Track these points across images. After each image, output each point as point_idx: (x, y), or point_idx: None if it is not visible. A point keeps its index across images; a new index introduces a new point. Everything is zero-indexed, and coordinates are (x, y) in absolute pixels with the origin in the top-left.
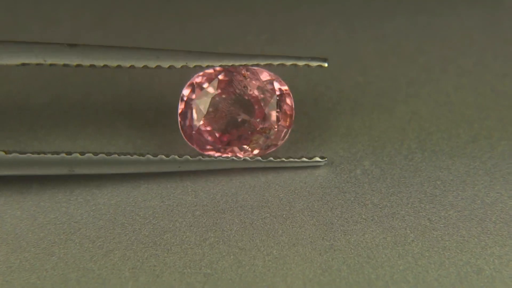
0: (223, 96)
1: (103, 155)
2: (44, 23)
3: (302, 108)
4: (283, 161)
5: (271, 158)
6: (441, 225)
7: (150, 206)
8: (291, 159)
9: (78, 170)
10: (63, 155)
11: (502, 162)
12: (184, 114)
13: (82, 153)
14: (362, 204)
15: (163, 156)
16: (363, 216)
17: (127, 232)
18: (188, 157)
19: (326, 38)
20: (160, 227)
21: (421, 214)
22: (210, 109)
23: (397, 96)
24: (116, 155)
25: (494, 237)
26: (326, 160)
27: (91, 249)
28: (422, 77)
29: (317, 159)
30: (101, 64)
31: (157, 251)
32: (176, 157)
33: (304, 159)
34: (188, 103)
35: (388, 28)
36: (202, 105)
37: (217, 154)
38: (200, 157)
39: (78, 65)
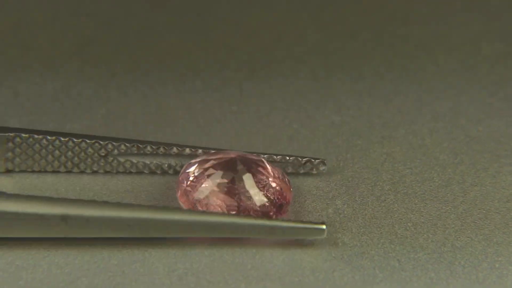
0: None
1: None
2: (21, 49)
3: (277, 146)
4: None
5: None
6: (410, 266)
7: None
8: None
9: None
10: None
11: (473, 207)
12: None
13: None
14: (332, 242)
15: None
16: (333, 254)
17: (95, 260)
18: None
19: (303, 76)
20: (129, 257)
21: (390, 255)
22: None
23: (371, 137)
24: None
25: (462, 280)
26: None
27: (59, 275)
28: (397, 119)
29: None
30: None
31: (125, 280)
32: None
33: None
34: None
35: (365, 69)
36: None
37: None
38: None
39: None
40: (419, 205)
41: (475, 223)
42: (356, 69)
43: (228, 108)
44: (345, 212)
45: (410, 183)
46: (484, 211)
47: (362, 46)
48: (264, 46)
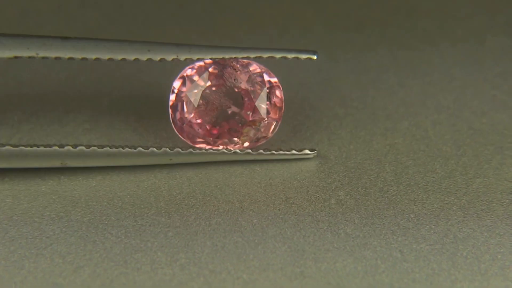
0: (214, 88)
1: (95, 147)
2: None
3: (280, 137)
4: (273, 153)
5: (261, 151)
6: (412, 257)
7: (123, 225)
8: (281, 152)
9: (70, 163)
10: (55, 148)
11: (476, 199)
12: (175, 106)
13: (74, 146)
14: (334, 233)
15: (154, 149)
16: (335, 245)
17: (98, 249)
18: (179, 149)
19: (306, 67)
20: (132, 246)
21: (393, 245)
22: (201, 102)
23: (375, 128)
24: (108, 148)
25: (464, 271)
26: (315, 153)
27: (61, 265)
28: (401, 111)
29: (307, 151)
30: (93, 57)
31: (127, 270)
32: (168, 149)
33: (294, 151)
34: (179, 95)
35: (370, 61)
36: (192, 97)
37: (208, 147)
38: (191, 149)
39: (70, 58)
40: (422, 196)
41: (478, 214)
42: (360, 61)
43: None
44: (348, 203)
45: (413, 174)
46: (486, 203)
47: (367, 38)
48: (269, 39)
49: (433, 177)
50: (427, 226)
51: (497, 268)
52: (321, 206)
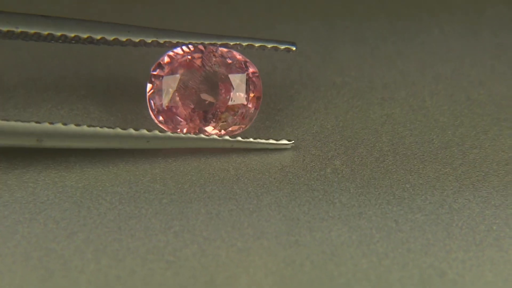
0: (192, 74)
1: (72, 125)
2: (21, 4)
3: (277, 105)
4: (251, 141)
5: (239, 138)
6: (407, 227)
7: (117, 192)
8: (259, 140)
9: (46, 141)
10: (33, 123)
11: (472, 169)
12: (153, 93)
13: (51, 123)
14: (330, 202)
15: (132, 130)
16: (330, 214)
17: (92, 215)
18: (157, 132)
19: (305, 36)
20: (126, 213)
21: (388, 215)
22: (179, 87)
23: (372, 98)
24: (85, 127)
25: (459, 242)
26: (293, 143)
27: (55, 230)
28: (398, 81)
29: (284, 141)
30: (72, 35)
31: (121, 236)
32: (145, 132)
33: (272, 140)
34: (157, 82)
35: (368, 31)
36: (171, 83)
37: (185, 131)
38: (169, 133)
39: (49, 34)
40: (418, 167)
41: (474, 185)
42: (358, 31)
43: None
44: (344, 172)
45: (409, 144)
46: (482, 174)
47: (365, 7)
48: (267, 8)
49: (430, 148)
50: (423, 196)
51: (492, 239)
52: (317, 175)
